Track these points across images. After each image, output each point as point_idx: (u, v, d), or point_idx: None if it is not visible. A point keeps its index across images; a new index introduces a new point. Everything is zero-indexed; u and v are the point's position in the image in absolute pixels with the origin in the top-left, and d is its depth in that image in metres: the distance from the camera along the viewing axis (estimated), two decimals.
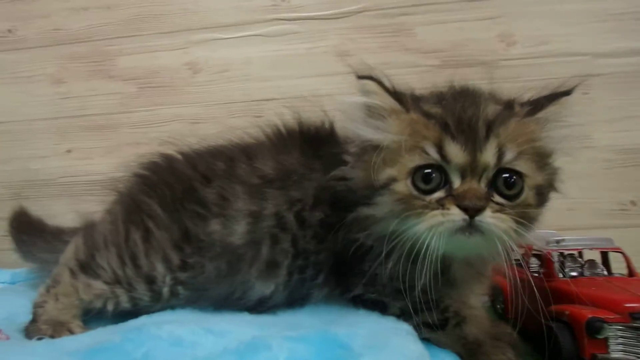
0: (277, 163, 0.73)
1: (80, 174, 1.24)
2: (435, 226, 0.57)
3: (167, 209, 0.75)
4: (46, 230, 0.93)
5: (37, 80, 1.25)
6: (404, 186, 0.59)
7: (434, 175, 0.58)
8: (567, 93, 0.64)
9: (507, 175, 0.58)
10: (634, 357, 0.62)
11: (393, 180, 0.60)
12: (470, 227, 0.56)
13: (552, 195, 0.63)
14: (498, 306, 0.94)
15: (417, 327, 0.66)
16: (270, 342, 0.55)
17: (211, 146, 0.82)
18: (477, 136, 0.58)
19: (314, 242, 0.70)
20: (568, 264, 0.80)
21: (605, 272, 0.79)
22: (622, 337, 0.63)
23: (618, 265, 0.79)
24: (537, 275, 0.81)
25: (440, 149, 0.58)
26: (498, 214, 0.56)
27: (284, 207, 0.70)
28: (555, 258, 0.81)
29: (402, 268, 0.61)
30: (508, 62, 1.13)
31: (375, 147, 0.61)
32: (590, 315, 0.63)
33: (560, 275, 0.78)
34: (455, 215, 0.56)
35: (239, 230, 0.71)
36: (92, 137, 1.24)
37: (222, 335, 0.60)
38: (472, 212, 0.56)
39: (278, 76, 1.19)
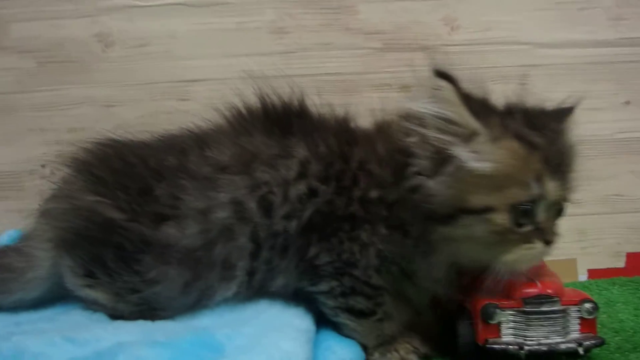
0: (235, 147, 0.69)
1: None
2: (522, 258, 0.62)
3: (124, 216, 0.68)
4: None
5: None
6: (502, 218, 0.59)
7: (530, 209, 0.60)
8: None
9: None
10: (521, 340, 0.66)
11: (490, 209, 0.59)
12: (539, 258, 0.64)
13: None
14: None
15: (336, 309, 0.69)
16: (124, 349, 0.53)
17: (164, 136, 0.76)
18: (566, 172, 0.62)
19: (284, 221, 0.66)
20: None
21: None
22: (513, 321, 0.66)
23: None
24: None
25: (540, 183, 0.59)
26: None
27: (242, 192, 0.67)
28: None
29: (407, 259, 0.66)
30: (451, 47, 1.09)
31: (471, 170, 0.59)
32: (486, 302, 0.66)
33: None
34: (540, 249, 0.62)
35: (191, 232, 0.66)
36: None
37: (84, 344, 0.57)
38: (551, 245, 0.62)
39: (206, 54, 1.06)
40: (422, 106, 0.60)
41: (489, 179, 0.59)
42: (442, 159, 0.61)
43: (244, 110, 0.73)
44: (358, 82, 1.07)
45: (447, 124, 0.59)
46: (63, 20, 1.04)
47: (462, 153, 0.59)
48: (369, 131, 0.73)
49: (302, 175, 0.67)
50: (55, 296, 0.76)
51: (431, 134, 0.60)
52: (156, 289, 0.67)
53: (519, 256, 0.62)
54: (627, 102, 1.10)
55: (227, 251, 0.67)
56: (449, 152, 0.60)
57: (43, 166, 1.05)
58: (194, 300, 0.68)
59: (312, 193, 0.67)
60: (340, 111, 0.75)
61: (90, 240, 0.69)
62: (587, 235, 1.11)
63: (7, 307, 0.74)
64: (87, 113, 1.05)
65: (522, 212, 0.60)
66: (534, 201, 0.60)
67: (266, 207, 0.66)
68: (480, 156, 0.59)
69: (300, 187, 0.67)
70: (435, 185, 0.61)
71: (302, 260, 0.67)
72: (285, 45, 1.08)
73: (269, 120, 0.72)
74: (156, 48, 1.06)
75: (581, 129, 1.08)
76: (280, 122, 0.71)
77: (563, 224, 1.10)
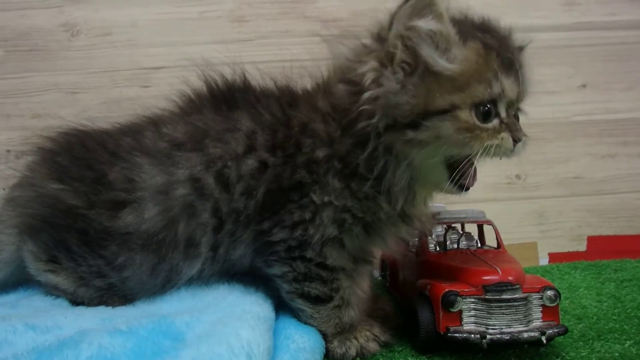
0: (188, 125, 0.70)
1: None
2: (492, 147, 0.62)
3: (85, 204, 0.69)
4: None
5: None
6: (466, 115, 0.61)
7: (490, 107, 0.62)
8: None
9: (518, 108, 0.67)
10: (483, 328, 0.64)
11: (454, 107, 0.61)
12: (511, 152, 0.64)
13: None
14: (387, 280, 0.96)
15: (292, 294, 0.68)
16: (86, 337, 0.52)
17: (124, 123, 0.78)
18: (518, 72, 0.64)
19: (243, 198, 0.66)
20: (452, 236, 0.82)
21: (479, 244, 0.82)
22: (474, 309, 0.65)
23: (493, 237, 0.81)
24: (414, 250, 0.83)
25: (498, 82, 0.62)
26: None
27: (199, 169, 0.66)
28: (441, 232, 0.83)
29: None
30: None
31: (436, 73, 0.61)
32: (446, 289, 0.65)
33: (431, 248, 0.79)
34: (509, 142, 0.63)
35: (150, 215, 0.66)
36: None
37: (46, 331, 0.57)
38: (518, 141, 0.64)
39: (167, 42, 1.09)
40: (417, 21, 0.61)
41: (453, 81, 0.61)
42: (412, 69, 0.62)
43: (192, 95, 0.75)
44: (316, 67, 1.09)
45: (434, 34, 0.61)
46: (31, 10, 1.08)
47: (435, 57, 0.61)
48: (309, 90, 0.72)
49: (250, 148, 0.67)
50: (18, 280, 0.77)
51: (411, 43, 0.61)
52: (125, 273, 0.68)
53: (495, 145, 0.63)
54: (583, 85, 1.11)
55: (191, 229, 0.67)
56: (423, 58, 0.61)
57: (8, 151, 1.08)
58: (162, 282, 0.69)
59: (263, 166, 0.66)
60: (281, 79, 0.75)
61: (54, 226, 0.70)
62: (547, 218, 1.11)
63: None
64: (52, 99, 1.09)
65: (486, 111, 0.62)
66: (494, 100, 0.63)
67: (224, 182, 0.66)
68: (451, 57, 0.61)
69: (250, 162, 0.66)
70: (400, 97, 0.61)
71: (259, 234, 0.67)
72: (245, 33, 1.11)
73: (215, 99, 0.73)
74: (120, 37, 1.09)
75: (538, 113, 1.11)
76: (225, 98, 0.73)
77: (522, 208, 1.12)
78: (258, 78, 0.75)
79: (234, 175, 0.66)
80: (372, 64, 0.64)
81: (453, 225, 0.83)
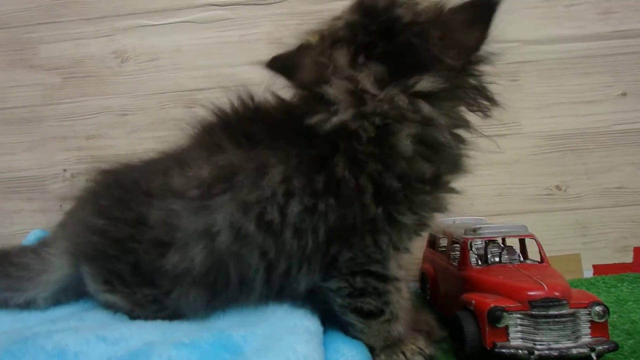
0: (211, 165, 0.66)
1: (2, 171, 1.17)
2: None
3: (132, 240, 0.69)
4: None
5: None
6: None
7: None
8: None
9: None
10: (531, 344, 0.64)
11: None
12: None
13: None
14: (427, 293, 0.96)
15: (344, 308, 0.68)
16: (155, 350, 0.54)
17: (148, 160, 0.77)
18: None
19: (295, 241, 0.63)
20: (493, 250, 0.82)
21: (521, 259, 0.81)
22: (521, 324, 0.65)
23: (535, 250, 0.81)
24: (455, 264, 0.83)
25: None
26: None
27: (237, 216, 0.63)
28: (481, 245, 0.83)
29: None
30: None
31: None
32: (492, 305, 0.65)
33: (473, 263, 0.79)
34: None
35: (194, 255, 0.64)
36: (13, 131, 1.16)
37: (115, 343, 0.59)
38: None
39: (210, 65, 1.15)
40: None
41: None
42: None
43: (204, 127, 0.72)
44: None
45: None
46: (84, 40, 1.16)
47: None
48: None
49: (289, 194, 0.63)
50: (78, 293, 0.80)
51: None
52: (179, 303, 0.68)
53: None
54: (624, 94, 1.09)
55: (241, 270, 0.65)
56: None
57: (64, 170, 1.16)
58: (218, 310, 0.69)
59: (311, 209, 0.63)
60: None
61: (107, 256, 0.70)
62: (590, 229, 1.08)
63: (17, 305, 0.76)
64: (104, 121, 1.16)
65: None
66: None
67: (266, 227, 0.63)
68: None
69: (293, 209, 0.63)
70: None
71: (325, 257, 0.65)
72: None
73: (229, 130, 0.69)
74: (165, 62, 1.16)
75: (577, 123, 1.10)
76: (241, 130, 0.68)
77: (563, 219, 1.10)
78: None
79: (277, 220, 0.63)
80: None
81: (492, 240, 0.83)
